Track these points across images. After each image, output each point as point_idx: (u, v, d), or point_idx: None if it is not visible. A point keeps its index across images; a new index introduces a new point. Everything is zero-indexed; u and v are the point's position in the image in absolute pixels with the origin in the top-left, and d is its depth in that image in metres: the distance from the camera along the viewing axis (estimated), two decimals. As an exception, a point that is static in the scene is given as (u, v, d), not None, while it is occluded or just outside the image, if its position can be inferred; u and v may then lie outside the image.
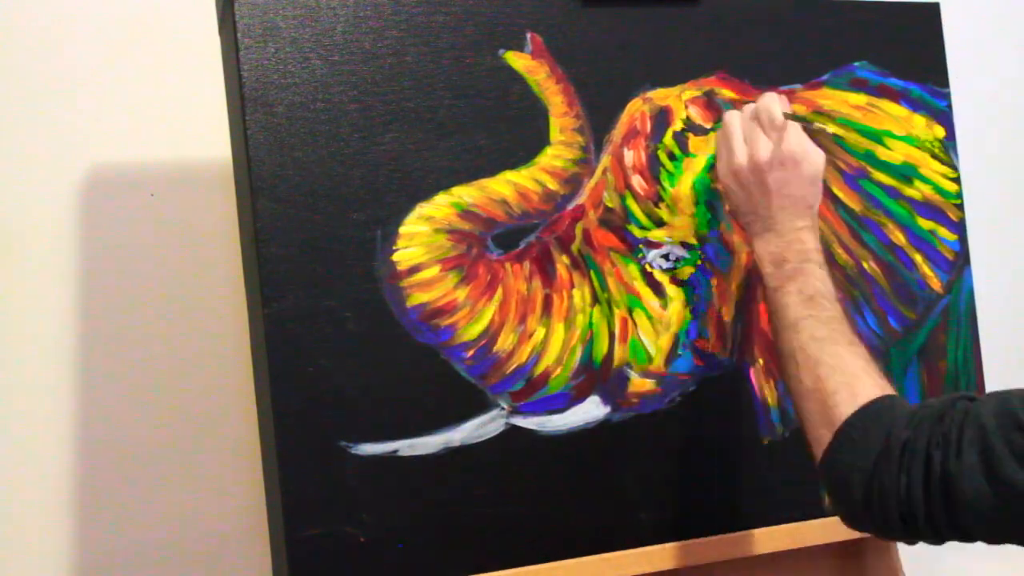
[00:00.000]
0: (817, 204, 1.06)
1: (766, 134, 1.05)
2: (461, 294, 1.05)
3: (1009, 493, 0.79)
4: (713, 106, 1.18)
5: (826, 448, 0.91)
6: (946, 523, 0.83)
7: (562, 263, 1.10)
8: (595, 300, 1.11)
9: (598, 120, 1.13)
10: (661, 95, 1.17)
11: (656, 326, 1.13)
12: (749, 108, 1.08)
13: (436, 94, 1.08)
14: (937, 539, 0.85)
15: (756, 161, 1.04)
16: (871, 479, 0.86)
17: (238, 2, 1.01)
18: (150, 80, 1.26)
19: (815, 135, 1.06)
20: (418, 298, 1.04)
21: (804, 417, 0.95)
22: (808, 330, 0.97)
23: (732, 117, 1.08)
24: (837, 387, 0.91)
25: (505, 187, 1.09)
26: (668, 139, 1.16)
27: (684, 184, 1.15)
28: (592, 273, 1.11)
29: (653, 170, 1.15)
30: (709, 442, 1.15)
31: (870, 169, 1.24)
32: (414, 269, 1.04)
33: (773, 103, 1.06)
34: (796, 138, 1.04)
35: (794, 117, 1.06)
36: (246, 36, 1.01)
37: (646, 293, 1.13)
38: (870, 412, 0.88)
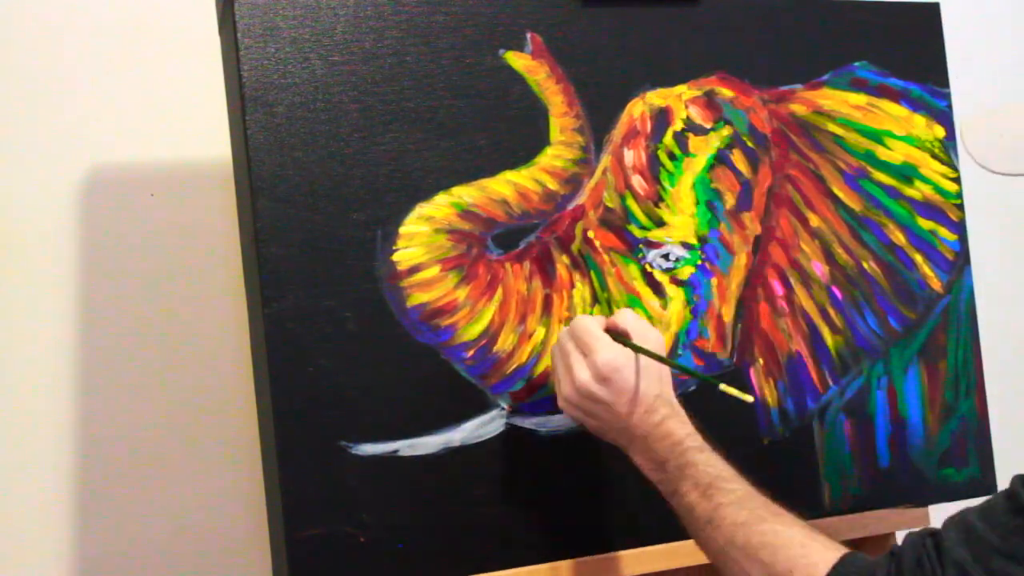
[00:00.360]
0: (666, 387, 1.01)
1: (582, 353, 1.00)
2: (461, 294, 1.05)
3: None
4: (713, 106, 1.18)
5: None
6: None
7: (562, 263, 1.10)
8: (595, 300, 1.11)
9: (598, 120, 1.13)
10: (661, 95, 1.17)
11: (656, 326, 1.13)
12: (562, 334, 1.03)
13: (436, 94, 1.07)
14: None
15: (580, 386, 0.99)
16: None
17: (238, 2, 1.01)
18: (150, 80, 1.26)
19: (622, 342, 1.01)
20: (418, 298, 1.04)
21: None
22: (727, 520, 0.91)
23: (553, 349, 1.04)
24: (791, 565, 0.86)
25: (505, 187, 1.09)
26: (668, 139, 1.16)
27: (684, 184, 1.15)
28: (592, 273, 1.11)
29: (653, 170, 1.15)
30: (709, 442, 1.15)
31: (870, 169, 1.24)
32: (414, 269, 1.04)
33: (583, 322, 1.01)
34: (605, 348, 0.99)
35: (624, 343, 1.00)
36: (246, 36, 1.01)
37: (646, 293, 1.13)
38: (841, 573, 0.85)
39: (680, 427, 0.99)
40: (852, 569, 0.84)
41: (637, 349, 1.00)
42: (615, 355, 0.99)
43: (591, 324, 1.01)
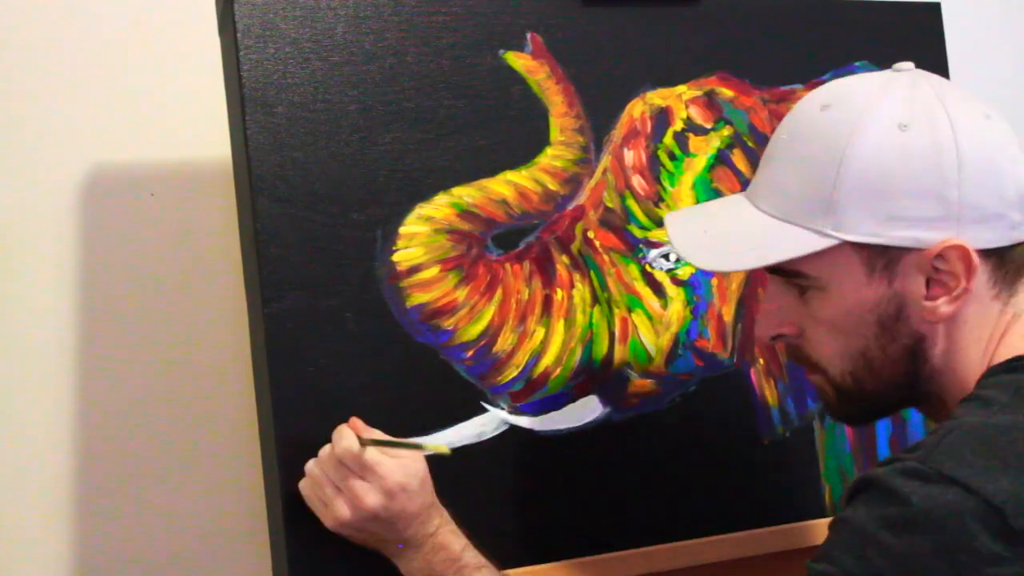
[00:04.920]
0: (433, 496, 0.98)
1: (358, 475, 0.95)
2: (461, 294, 1.05)
3: None
4: (713, 106, 1.18)
5: None
6: None
7: (562, 263, 1.10)
8: (595, 300, 1.11)
9: (598, 120, 1.13)
10: (661, 95, 1.17)
11: (656, 326, 1.13)
12: (324, 455, 0.97)
13: (436, 94, 1.07)
14: None
15: (365, 508, 0.94)
16: None
17: (238, 2, 1.01)
18: (150, 80, 1.26)
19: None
20: (418, 298, 1.04)
21: None
22: None
23: (312, 469, 0.97)
24: None
25: (505, 187, 1.09)
26: (668, 139, 1.16)
27: (684, 184, 1.15)
28: (592, 273, 1.11)
29: (653, 170, 1.15)
30: (709, 442, 1.15)
31: (870, 169, 1.24)
32: (414, 269, 1.04)
33: (346, 438, 0.96)
34: (389, 467, 0.95)
35: (373, 442, 0.96)
36: (246, 36, 1.01)
37: (646, 293, 1.13)
38: None
39: (455, 539, 0.97)
40: None
41: (399, 444, 0.97)
42: (403, 473, 0.95)
43: (355, 446, 0.95)
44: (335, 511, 0.95)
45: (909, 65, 0.91)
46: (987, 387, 0.84)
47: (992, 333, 0.87)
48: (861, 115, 0.86)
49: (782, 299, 0.92)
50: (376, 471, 0.95)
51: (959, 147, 0.84)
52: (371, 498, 0.95)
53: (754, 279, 1.18)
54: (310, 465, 0.98)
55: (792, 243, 0.87)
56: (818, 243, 0.86)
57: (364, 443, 0.96)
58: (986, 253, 0.85)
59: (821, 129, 0.88)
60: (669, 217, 0.99)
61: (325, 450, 0.98)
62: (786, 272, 0.90)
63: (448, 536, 0.98)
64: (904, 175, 0.84)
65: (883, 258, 0.86)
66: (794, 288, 0.90)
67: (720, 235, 0.94)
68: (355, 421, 0.99)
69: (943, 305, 0.85)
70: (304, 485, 0.98)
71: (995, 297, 0.87)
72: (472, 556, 0.97)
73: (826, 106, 0.88)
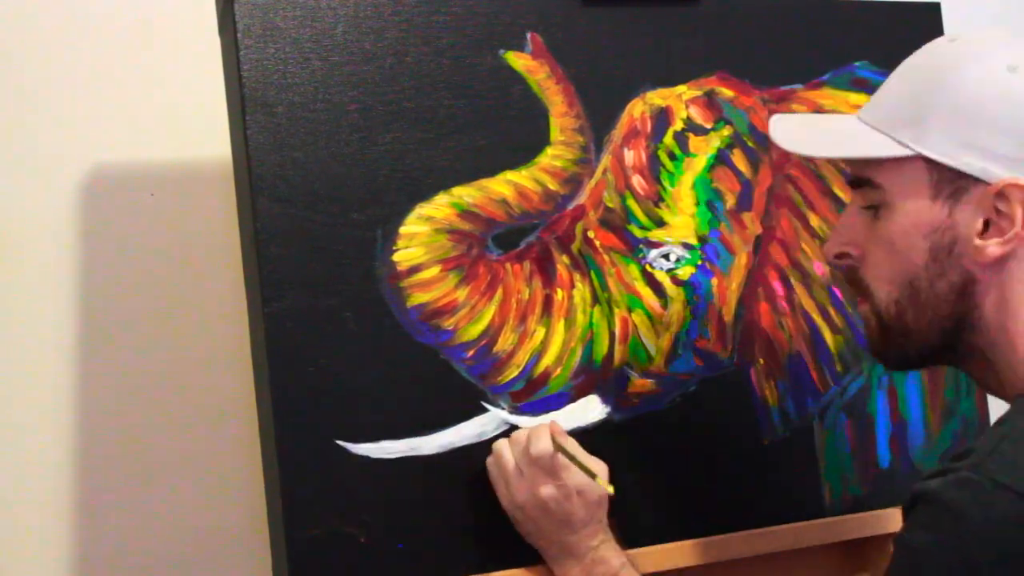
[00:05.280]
0: (604, 511, 1.03)
1: (545, 471, 1.01)
2: (461, 294, 1.05)
3: None
4: (713, 106, 1.18)
5: None
6: None
7: (562, 263, 1.10)
8: (595, 300, 1.11)
9: (598, 120, 1.13)
10: (661, 95, 1.17)
11: (656, 326, 1.13)
12: (521, 441, 1.03)
13: (436, 94, 1.07)
14: None
15: (540, 497, 1.00)
16: None
17: (238, 2, 1.01)
18: (150, 80, 1.26)
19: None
20: (418, 298, 1.04)
21: None
22: None
23: (503, 449, 1.03)
24: None
25: (505, 187, 1.09)
26: (668, 139, 1.16)
27: (684, 184, 1.15)
28: (592, 273, 1.11)
29: (653, 170, 1.15)
30: (709, 442, 1.15)
31: (870, 169, 1.24)
32: (414, 269, 1.04)
33: (546, 439, 1.01)
34: (573, 472, 1.01)
35: (563, 451, 1.01)
36: (246, 36, 1.01)
37: (646, 293, 1.13)
38: None
39: (615, 555, 1.02)
40: None
41: (579, 464, 1.00)
42: (584, 481, 1.01)
43: (550, 449, 1.01)
44: (514, 491, 1.01)
45: None
46: None
47: None
48: (977, 49, 0.89)
49: (856, 219, 0.94)
50: (560, 472, 1.00)
51: None
52: (548, 490, 1.00)
53: (754, 279, 1.18)
54: (501, 445, 1.03)
55: (869, 144, 0.91)
56: (894, 149, 0.89)
57: (556, 447, 1.00)
58: None
59: (938, 54, 0.91)
60: (775, 116, 1.02)
61: (520, 437, 1.03)
62: (863, 182, 0.92)
63: (609, 551, 1.02)
64: (993, 109, 0.85)
65: (951, 185, 0.87)
66: (869, 210, 0.92)
67: (811, 129, 1.00)
68: (555, 425, 1.04)
69: (993, 246, 0.86)
70: (491, 462, 1.04)
71: None
72: (628, 571, 1.01)
73: (952, 39, 0.92)
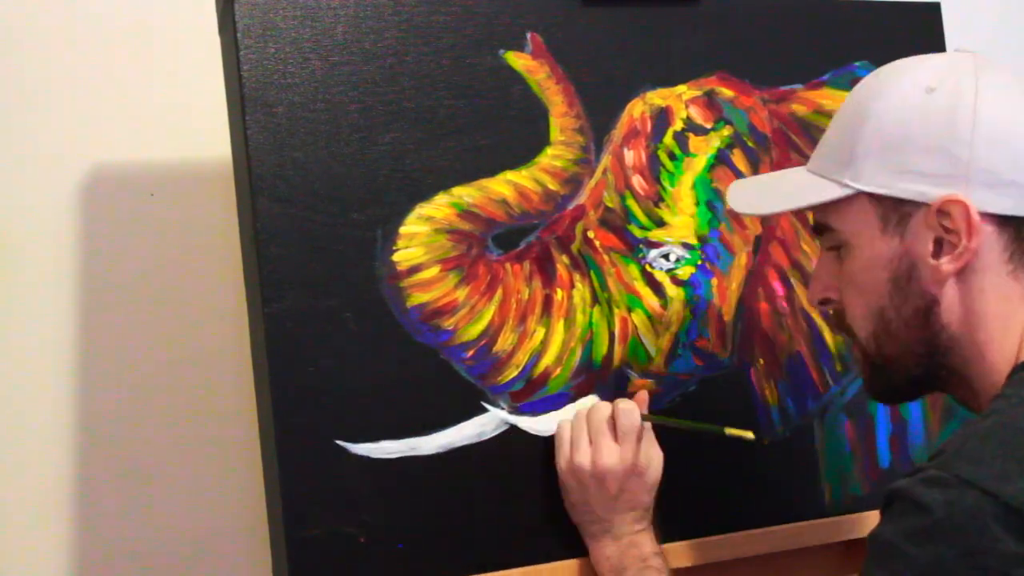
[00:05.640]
0: (652, 508, 1.06)
1: (615, 438, 1.04)
2: (461, 294, 1.05)
3: None
4: (713, 106, 1.18)
5: None
6: None
7: (562, 263, 1.10)
8: (595, 300, 1.11)
9: (598, 120, 1.13)
10: (661, 95, 1.17)
11: (656, 326, 1.13)
12: (602, 408, 1.05)
13: (436, 94, 1.07)
14: None
15: (601, 466, 1.03)
16: None
17: (238, 2, 1.01)
18: (150, 80, 1.26)
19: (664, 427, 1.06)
20: (418, 298, 1.04)
21: None
22: None
23: (580, 415, 1.06)
24: None
25: (505, 187, 1.09)
26: (668, 139, 1.16)
27: (684, 184, 1.15)
28: (592, 273, 1.11)
29: (653, 170, 1.15)
30: (709, 442, 1.15)
31: (870, 169, 1.24)
32: (414, 269, 1.04)
33: (634, 413, 1.05)
34: (646, 446, 1.05)
35: (650, 418, 1.05)
36: (246, 36, 1.01)
37: (646, 293, 1.13)
38: None
39: (650, 543, 1.04)
40: None
41: (667, 422, 1.05)
42: (649, 456, 1.04)
43: (637, 418, 1.05)
44: (578, 454, 1.03)
45: (972, 51, 0.93)
46: (1014, 384, 0.85)
47: (1021, 319, 0.88)
48: (896, 76, 0.92)
49: (826, 264, 0.96)
50: (631, 442, 1.03)
51: (977, 110, 0.86)
52: (611, 460, 1.02)
53: (754, 279, 1.18)
54: (579, 411, 1.06)
55: (815, 192, 0.93)
56: (836, 192, 0.92)
57: (645, 418, 1.04)
58: (1002, 221, 0.87)
59: (863, 88, 0.94)
60: (733, 184, 1.07)
61: (601, 408, 1.05)
62: (820, 228, 0.95)
63: (646, 538, 1.04)
64: (919, 131, 0.88)
65: (896, 213, 0.89)
66: (834, 253, 0.95)
67: (763, 189, 1.04)
68: (642, 395, 1.08)
69: (947, 263, 0.87)
70: (563, 424, 1.06)
71: (1012, 273, 0.88)
72: (659, 562, 1.03)
73: (877, 73, 0.95)
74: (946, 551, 0.75)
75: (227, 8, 1.03)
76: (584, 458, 1.03)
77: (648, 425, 1.06)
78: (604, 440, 1.03)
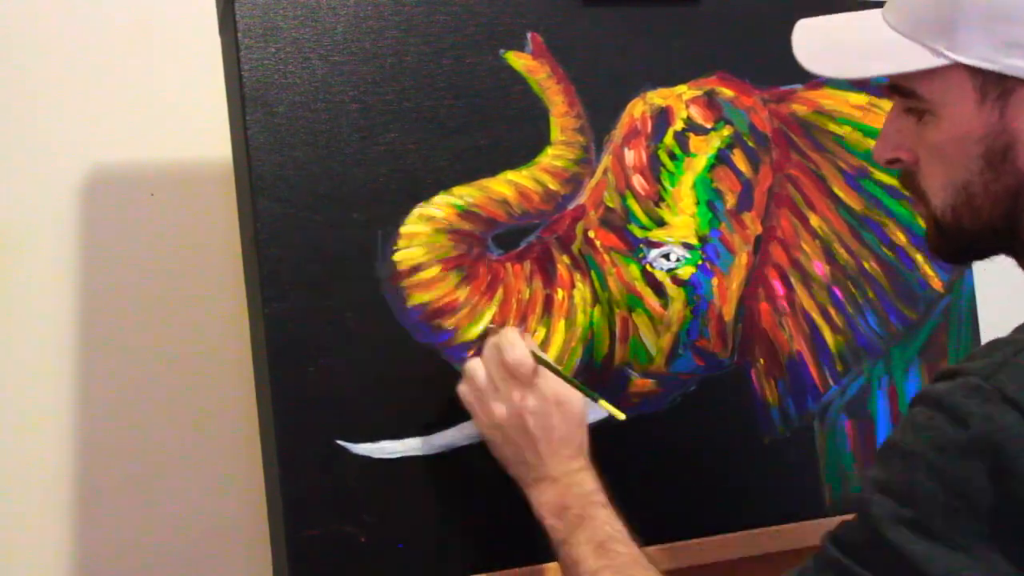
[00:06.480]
0: (586, 445, 1.00)
1: (519, 379, 0.98)
2: (462, 294, 1.05)
3: None
4: (714, 106, 1.18)
5: None
6: None
7: (562, 263, 1.10)
8: (596, 300, 1.11)
9: (599, 120, 1.13)
10: (662, 95, 1.17)
11: (656, 326, 1.13)
12: (493, 353, 1.00)
13: (436, 94, 1.07)
14: None
15: (515, 412, 0.97)
16: None
17: (239, 2, 1.01)
18: (150, 80, 1.26)
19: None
20: (419, 298, 1.04)
21: None
22: None
23: (476, 366, 1.00)
24: None
25: (506, 187, 1.09)
26: (669, 139, 1.16)
27: (685, 184, 1.15)
28: (592, 273, 1.11)
29: (654, 170, 1.15)
30: (709, 442, 1.15)
31: (871, 169, 1.24)
32: (415, 269, 1.04)
33: (520, 346, 0.99)
34: (552, 382, 0.99)
35: (540, 361, 0.99)
36: (246, 36, 1.01)
37: (647, 293, 1.13)
38: None
39: (591, 480, 0.98)
40: None
41: (559, 373, 0.99)
42: (563, 388, 0.98)
43: (526, 353, 0.98)
44: (491, 408, 0.98)
45: None
46: None
47: None
48: None
49: (901, 123, 0.90)
50: (539, 384, 0.97)
51: None
52: (529, 402, 0.97)
53: (755, 279, 1.18)
54: (473, 363, 1.00)
55: (901, 58, 0.85)
56: (929, 61, 0.83)
57: (536, 358, 0.97)
58: None
59: None
60: (799, 24, 0.97)
61: (492, 351, 0.99)
62: (902, 91, 0.88)
63: (586, 476, 0.98)
64: None
65: (997, 88, 0.83)
66: (912, 113, 0.88)
67: (839, 44, 0.94)
68: (527, 335, 1.01)
69: None
70: (463, 384, 1.01)
71: None
72: (602, 497, 0.97)
73: None
74: (978, 467, 0.72)
75: (228, 8, 1.03)
76: (497, 410, 0.98)
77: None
78: (511, 383, 0.98)
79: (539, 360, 0.98)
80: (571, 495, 0.97)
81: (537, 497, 0.98)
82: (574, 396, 0.99)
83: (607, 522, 0.95)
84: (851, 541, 0.77)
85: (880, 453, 0.79)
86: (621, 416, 0.99)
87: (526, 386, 0.98)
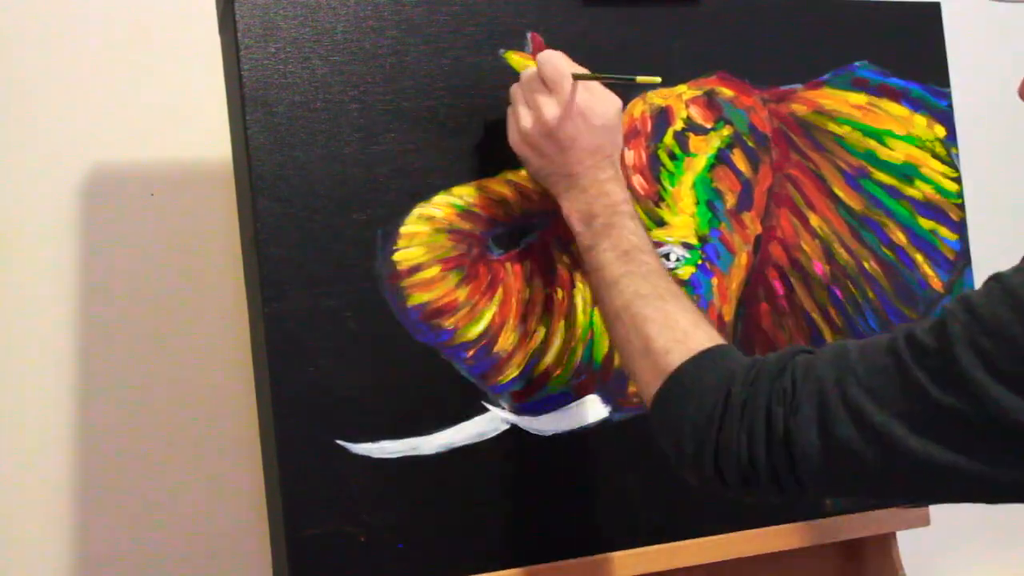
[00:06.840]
0: (617, 153, 1.03)
1: (550, 91, 1.00)
2: (462, 294, 1.05)
3: (836, 447, 0.77)
4: (714, 106, 1.18)
5: (656, 392, 0.87)
6: (789, 478, 0.80)
7: (562, 263, 1.10)
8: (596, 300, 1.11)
9: (598, 120, 1.13)
10: (661, 95, 1.17)
11: (656, 326, 1.13)
12: (529, 71, 1.03)
13: (436, 94, 1.07)
14: (779, 495, 0.83)
15: (543, 120, 1.00)
16: (704, 435, 0.83)
17: (238, 2, 1.01)
18: (150, 80, 1.26)
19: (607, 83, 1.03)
20: (419, 298, 1.04)
21: (637, 377, 0.91)
22: (631, 288, 0.93)
23: (514, 87, 1.04)
24: (669, 345, 0.88)
25: (505, 187, 1.09)
26: (669, 139, 1.16)
27: (685, 184, 1.15)
28: (592, 273, 1.11)
29: (654, 170, 1.15)
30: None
31: (871, 169, 1.24)
32: (415, 269, 1.04)
33: (556, 59, 1.01)
34: (583, 89, 1.00)
35: (581, 76, 1.01)
36: (246, 36, 1.01)
37: (646, 293, 1.13)
38: (704, 361, 0.86)
39: (619, 191, 1.00)
40: (717, 360, 0.86)
41: (594, 77, 1.01)
42: (590, 96, 1.00)
43: (563, 64, 1.01)
44: (519, 118, 1.01)
45: None
46: None
47: None
48: None
49: None
50: (564, 89, 0.99)
51: None
52: (550, 110, 0.99)
53: (754, 279, 1.17)
54: (514, 87, 1.04)
55: None
56: None
57: (576, 77, 1.00)
58: None
59: None
60: None
61: (528, 72, 1.02)
62: None
63: (615, 187, 1.00)
64: None
65: None
66: None
67: None
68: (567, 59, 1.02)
69: None
70: (508, 111, 1.04)
71: None
72: (627, 206, 0.99)
73: None
74: None
75: (227, 8, 1.03)
76: (526, 120, 1.01)
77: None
78: (539, 96, 1.00)
79: (577, 76, 1.00)
80: (598, 204, 0.99)
81: (567, 204, 1.01)
82: (599, 106, 1.00)
83: (633, 232, 0.98)
84: (921, 343, 0.76)
85: (986, 281, 0.79)
86: (657, 79, 1.01)
87: (553, 96, 0.99)
